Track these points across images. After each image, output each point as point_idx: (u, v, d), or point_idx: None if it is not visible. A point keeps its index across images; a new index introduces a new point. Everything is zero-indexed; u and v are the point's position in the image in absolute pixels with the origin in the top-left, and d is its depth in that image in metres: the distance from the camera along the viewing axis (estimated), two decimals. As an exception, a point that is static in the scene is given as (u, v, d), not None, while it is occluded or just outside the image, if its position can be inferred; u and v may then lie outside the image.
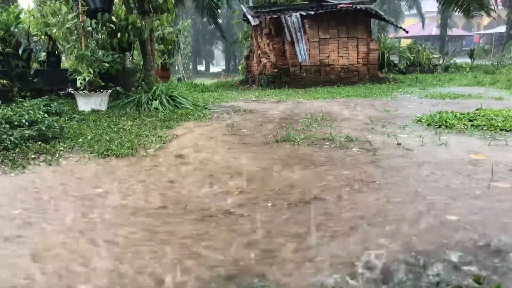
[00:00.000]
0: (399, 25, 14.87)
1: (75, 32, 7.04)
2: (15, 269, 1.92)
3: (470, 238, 2.10)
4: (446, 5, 13.74)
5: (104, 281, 1.80)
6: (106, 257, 2.03)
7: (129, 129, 5.23)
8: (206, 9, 15.94)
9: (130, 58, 8.95)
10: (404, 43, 24.17)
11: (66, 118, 5.88)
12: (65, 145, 4.31)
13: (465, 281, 1.71)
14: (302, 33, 11.57)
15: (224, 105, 8.14)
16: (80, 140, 4.57)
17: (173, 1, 7.35)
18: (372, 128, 5.17)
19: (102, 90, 7.02)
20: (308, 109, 7.03)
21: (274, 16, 12.06)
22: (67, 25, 6.89)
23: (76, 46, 6.97)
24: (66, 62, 9.97)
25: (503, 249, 1.97)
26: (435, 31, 35.89)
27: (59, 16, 6.90)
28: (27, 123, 4.62)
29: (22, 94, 7.22)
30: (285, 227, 2.34)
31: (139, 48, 8.30)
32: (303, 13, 11.66)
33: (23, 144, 4.13)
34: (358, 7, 11.73)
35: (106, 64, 7.09)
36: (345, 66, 12.09)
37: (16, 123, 4.56)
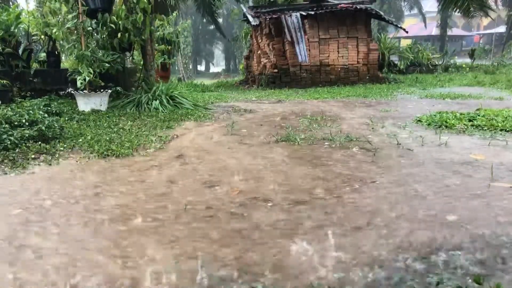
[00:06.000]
0: (399, 25, 14.89)
1: (75, 32, 7.04)
2: (13, 272, 1.92)
3: (470, 238, 2.10)
4: (446, 5, 13.74)
5: None
6: (102, 257, 2.03)
7: (129, 129, 5.23)
8: (205, 8, 15.96)
9: (130, 58, 8.95)
10: (404, 43, 24.18)
11: (66, 118, 5.88)
12: (65, 145, 4.31)
13: (465, 281, 1.71)
14: (302, 33, 11.57)
15: (224, 105, 8.14)
16: (80, 140, 4.56)
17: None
18: (372, 128, 5.17)
19: (102, 90, 7.02)
20: (308, 109, 7.03)
21: (274, 16, 12.05)
22: (67, 25, 6.88)
23: (76, 46, 6.97)
24: (66, 62, 9.98)
25: (503, 249, 1.97)
26: (435, 31, 35.89)
27: (59, 16, 6.90)
28: (27, 123, 4.62)
29: (22, 94, 7.23)
30: (285, 227, 2.33)
31: (139, 48, 8.30)
32: (303, 13, 11.66)
33: (23, 144, 4.13)
34: (358, 7, 11.73)
35: (106, 64, 7.09)
36: (345, 66, 12.08)
37: (16, 123, 4.56)
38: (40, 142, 4.27)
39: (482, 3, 13.01)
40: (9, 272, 1.89)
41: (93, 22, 7.29)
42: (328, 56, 12.02)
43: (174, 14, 12.10)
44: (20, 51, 7.79)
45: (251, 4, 15.50)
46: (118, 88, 7.45)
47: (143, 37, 7.56)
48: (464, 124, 4.95)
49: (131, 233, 2.30)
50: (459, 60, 17.74)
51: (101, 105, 6.92)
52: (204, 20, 18.25)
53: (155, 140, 4.67)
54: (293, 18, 11.63)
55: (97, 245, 2.16)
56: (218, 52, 45.66)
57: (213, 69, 41.82)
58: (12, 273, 1.88)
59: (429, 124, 5.18)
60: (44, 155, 3.98)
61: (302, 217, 2.46)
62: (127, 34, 7.44)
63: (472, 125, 4.91)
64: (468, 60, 18.75)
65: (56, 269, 1.91)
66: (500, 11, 24.49)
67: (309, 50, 11.79)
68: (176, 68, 25.94)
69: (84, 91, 6.88)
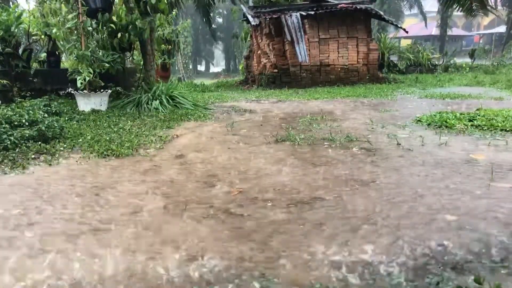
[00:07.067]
0: (399, 25, 14.88)
1: (75, 32, 7.04)
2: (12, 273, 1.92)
3: (470, 238, 2.10)
4: (448, 5, 13.75)
5: None
6: (98, 258, 2.03)
7: (129, 129, 5.23)
8: (203, 10, 15.98)
9: (130, 58, 8.95)
10: (404, 43, 24.17)
11: (66, 118, 5.88)
12: (65, 145, 4.31)
13: (465, 281, 1.71)
14: (302, 33, 11.57)
15: (224, 105, 8.14)
16: (80, 140, 4.57)
17: (166, 1, 7.36)
18: (372, 128, 5.17)
19: (102, 90, 7.02)
20: (308, 109, 7.03)
21: (274, 16, 12.05)
22: (67, 25, 6.89)
23: (76, 46, 6.98)
24: (66, 62, 9.98)
25: (503, 249, 1.97)
26: (435, 31, 35.86)
27: (59, 16, 6.90)
28: (27, 123, 4.62)
29: (22, 94, 7.23)
30: (285, 227, 2.34)
31: (139, 48, 8.31)
32: (303, 13, 11.66)
33: (23, 144, 4.13)
34: (358, 7, 11.73)
35: (106, 64, 7.10)
36: (345, 66, 12.08)
37: (16, 123, 4.56)
38: (40, 142, 4.27)
39: (483, 3, 13.00)
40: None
41: (93, 22, 7.29)
42: (328, 56, 12.01)
43: (173, 13, 12.08)
44: (20, 51, 7.79)
45: (251, 4, 15.49)
46: (118, 88, 7.45)
47: (145, 36, 7.57)
48: (464, 124, 4.95)
49: (130, 234, 2.30)
50: (459, 60, 17.74)
51: (101, 105, 6.92)
52: (204, 20, 18.22)
53: (155, 140, 4.67)
54: (293, 18, 11.63)
55: (97, 246, 2.16)
56: (218, 52, 45.62)
57: (213, 69, 41.80)
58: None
59: (429, 124, 5.18)
60: (44, 155, 3.99)
61: (302, 217, 2.46)
62: (127, 34, 7.45)
63: (472, 125, 4.91)
64: (468, 60, 18.75)
65: (58, 265, 1.91)
66: (500, 11, 24.47)
67: (309, 50, 11.79)
68: (176, 68, 25.92)
69: (84, 91, 6.88)
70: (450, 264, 1.85)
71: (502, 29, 32.95)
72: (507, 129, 4.63)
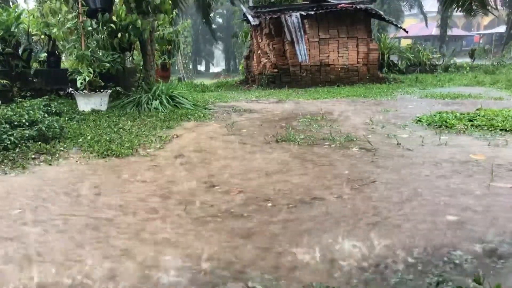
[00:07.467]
0: (399, 25, 14.87)
1: (75, 32, 7.03)
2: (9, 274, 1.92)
3: (470, 238, 2.10)
4: (448, 4, 13.75)
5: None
6: (98, 260, 2.03)
7: (129, 129, 5.23)
8: (203, 10, 16.00)
9: (130, 58, 8.94)
10: (404, 43, 24.16)
11: (66, 118, 5.87)
12: (65, 145, 4.31)
13: (465, 281, 1.71)
14: (302, 33, 11.57)
15: (224, 105, 8.14)
16: (80, 140, 4.57)
17: (170, 2, 7.38)
18: (372, 128, 5.17)
19: (102, 90, 7.02)
20: (308, 109, 7.03)
21: (274, 16, 12.05)
22: (67, 25, 6.88)
23: (76, 46, 6.97)
24: (66, 62, 9.97)
25: (503, 249, 1.97)
26: (435, 31, 35.85)
27: (59, 16, 6.90)
28: (27, 123, 4.62)
29: (22, 94, 7.22)
30: (285, 227, 2.33)
31: (139, 48, 8.30)
32: (303, 13, 11.66)
33: (23, 144, 4.13)
34: (358, 7, 11.73)
35: (106, 64, 7.09)
36: (345, 66, 12.08)
37: (16, 123, 4.56)
38: (40, 142, 4.27)
39: (483, 3, 12.99)
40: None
41: (93, 22, 7.28)
42: (328, 56, 12.01)
43: (174, 13, 12.06)
44: (20, 51, 7.78)
45: (251, 4, 15.48)
46: (118, 88, 7.44)
47: (145, 36, 7.58)
48: (464, 124, 4.95)
49: (131, 234, 2.30)
50: (459, 60, 17.74)
51: (101, 105, 6.92)
52: (204, 20, 18.24)
53: (155, 140, 4.67)
54: (293, 18, 11.63)
55: (97, 248, 2.16)
56: (218, 52, 45.63)
57: (213, 69, 41.82)
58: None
59: (429, 124, 5.18)
60: (44, 155, 3.99)
61: (302, 218, 2.46)
62: (127, 34, 7.44)
63: (472, 125, 4.91)
64: (468, 60, 18.75)
65: (57, 267, 1.91)
66: (500, 11, 24.47)
67: (309, 50, 11.79)
68: (176, 68, 25.92)
69: (84, 91, 6.87)
70: (450, 264, 1.85)
71: (502, 29, 32.94)
72: (507, 129, 4.63)
